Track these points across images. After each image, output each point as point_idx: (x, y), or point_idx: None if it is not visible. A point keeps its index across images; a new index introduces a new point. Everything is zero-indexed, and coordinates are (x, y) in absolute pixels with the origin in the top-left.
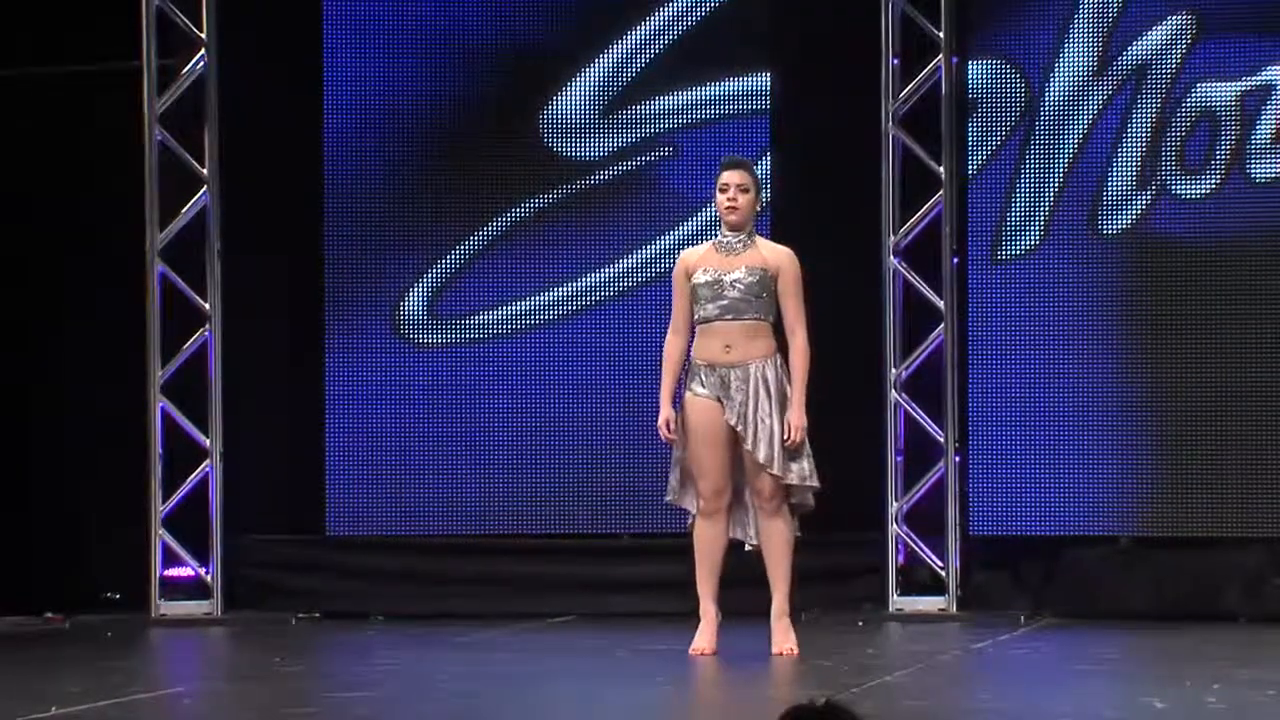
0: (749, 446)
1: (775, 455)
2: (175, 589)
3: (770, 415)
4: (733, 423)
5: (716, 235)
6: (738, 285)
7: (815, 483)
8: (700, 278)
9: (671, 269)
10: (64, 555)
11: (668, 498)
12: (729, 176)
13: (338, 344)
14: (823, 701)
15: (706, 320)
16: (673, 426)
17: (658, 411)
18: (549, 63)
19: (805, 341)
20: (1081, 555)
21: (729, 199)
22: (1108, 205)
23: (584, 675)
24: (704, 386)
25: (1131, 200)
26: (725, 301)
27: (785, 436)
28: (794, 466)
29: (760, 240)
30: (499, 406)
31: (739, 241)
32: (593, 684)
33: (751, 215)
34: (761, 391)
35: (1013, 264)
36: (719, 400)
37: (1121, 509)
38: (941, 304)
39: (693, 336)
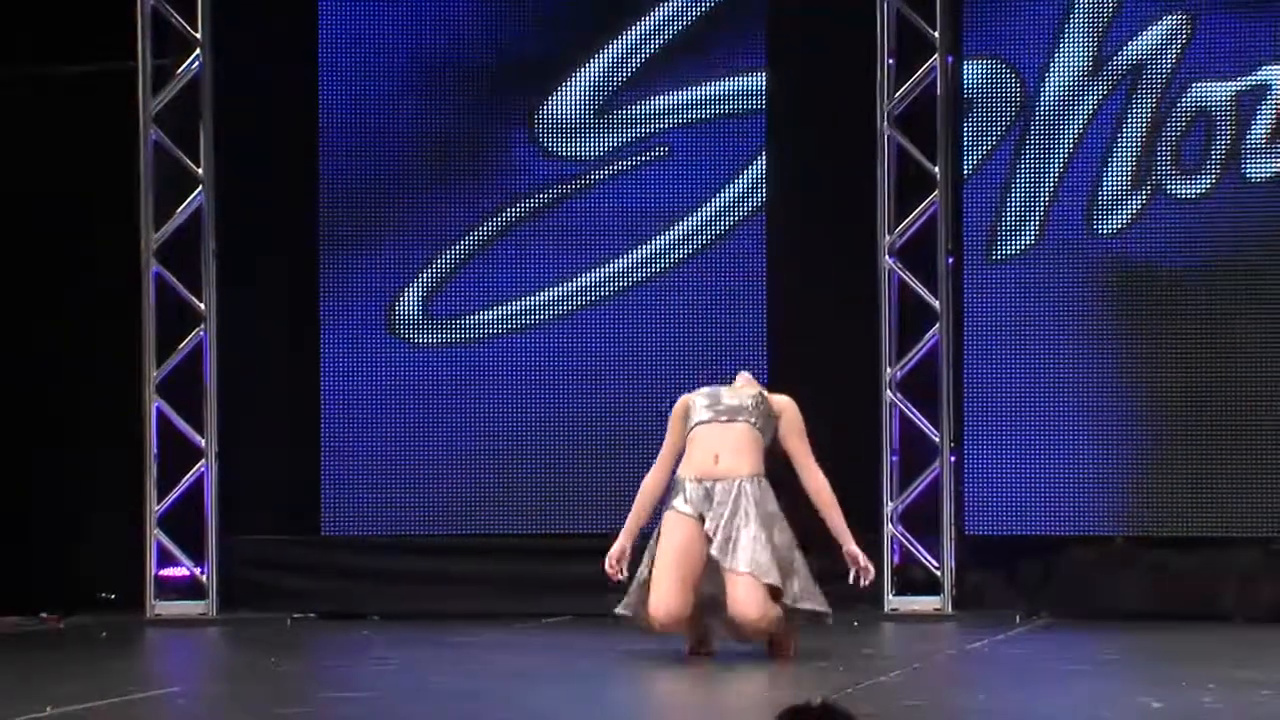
0: (715, 552)
1: (749, 560)
2: (170, 589)
3: (750, 526)
4: (709, 530)
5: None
6: (736, 398)
7: (817, 606)
8: (700, 400)
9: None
10: (60, 555)
11: (620, 610)
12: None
13: (333, 344)
14: (818, 702)
15: (700, 423)
16: (621, 562)
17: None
18: (544, 62)
19: (822, 475)
20: (1077, 555)
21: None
22: (1103, 205)
23: (581, 675)
24: (687, 503)
25: (1127, 200)
26: (721, 407)
27: (858, 578)
28: (791, 585)
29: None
30: (495, 406)
31: (745, 384)
32: (590, 684)
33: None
34: (744, 504)
35: (1008, 264)
36: (700, 517)
37: (1117, 509)
38: (937, 304)
39: (678, 461)
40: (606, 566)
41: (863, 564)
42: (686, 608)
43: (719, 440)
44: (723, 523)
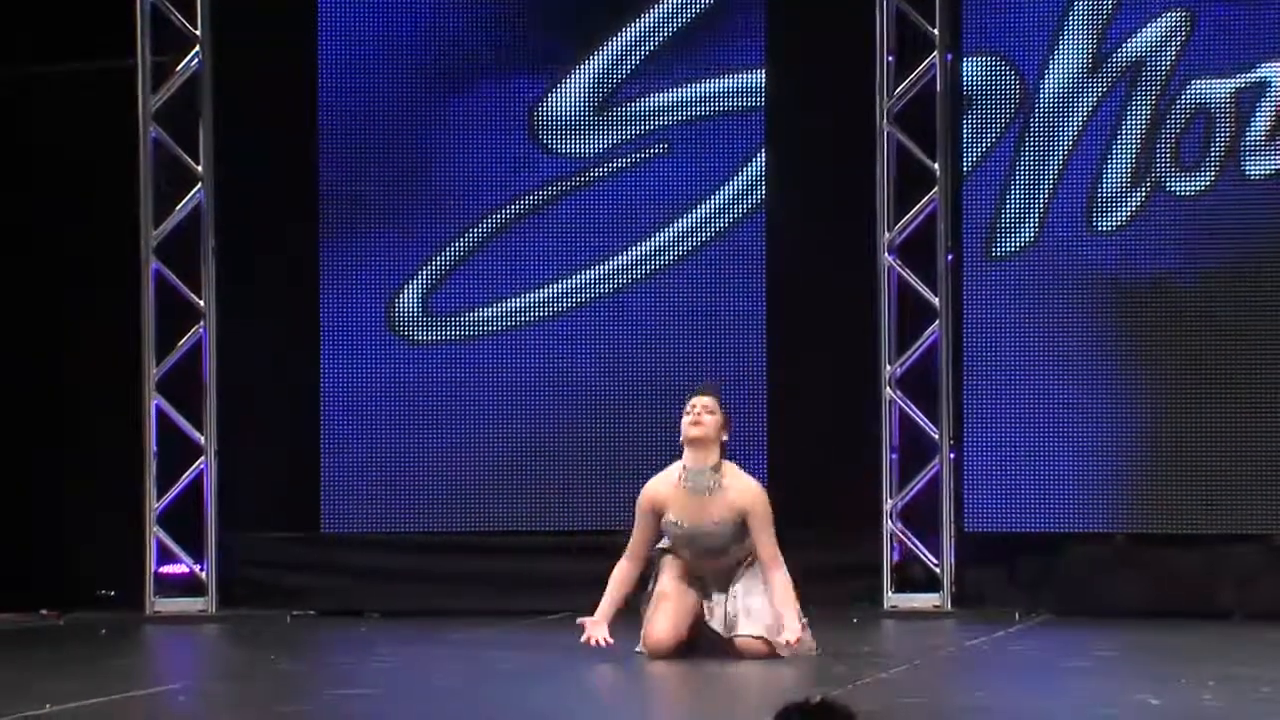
0: (721, 630)
1: (752, 627)
2: (170, 586)
3: (740, 591)
4: (704, 611)
5: (682, 462)
6: (712, 536)
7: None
8: (673, 520)
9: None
10: (60, 553)
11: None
12: (696, 399)
13: (333, 341)
14: (817, 699)
15: (683, 559)
16: (598, 630)
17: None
18: (543, 60)
19: (786, 573)
20: (1076, 552)
21: (693, 419)
22: (1102, 202)
23: (581, 672)
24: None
25: (1126, 197)
26: (700, 548)
27: (787, 643)
28: (785, 632)
29: (728, 471)
30: (494, 403)
31: (705, 478)
32: (590, 683)
33: (717, 439)
34: (740, 580)
35: (1007, 261)
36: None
37: (1116, 506)
38: (936, 301)
39: (648, 563)
40: (585, 625)
41: (792, 640)
42: (676, 640)
43: (709, 569)
44: (718, 605)
